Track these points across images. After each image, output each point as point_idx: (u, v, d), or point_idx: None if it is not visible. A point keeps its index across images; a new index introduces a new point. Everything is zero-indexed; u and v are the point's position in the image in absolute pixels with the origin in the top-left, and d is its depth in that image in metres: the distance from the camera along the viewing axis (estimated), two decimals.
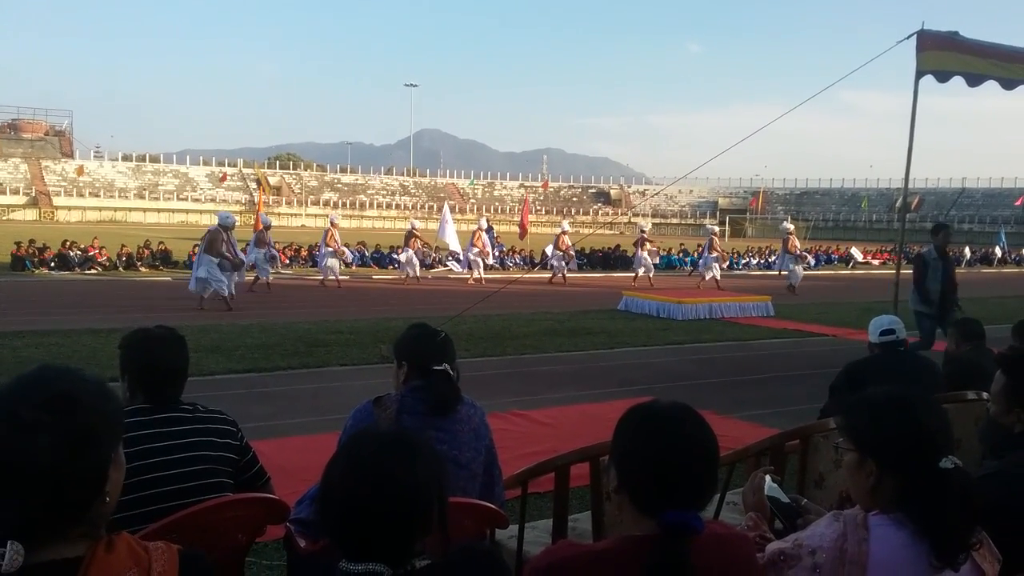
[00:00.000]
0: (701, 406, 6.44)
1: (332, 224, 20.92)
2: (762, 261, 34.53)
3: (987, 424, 3.04)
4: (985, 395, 3.38)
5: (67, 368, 1.47)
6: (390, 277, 24.13)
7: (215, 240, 15.20)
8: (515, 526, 3.27)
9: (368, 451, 1.59)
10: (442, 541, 1.60)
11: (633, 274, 23.68)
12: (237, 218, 16.55)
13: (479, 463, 3.01)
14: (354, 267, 27.46)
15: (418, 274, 22.58)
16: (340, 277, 20.96)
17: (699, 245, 24.43)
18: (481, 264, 23.57)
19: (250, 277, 18.33)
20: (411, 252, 22.35)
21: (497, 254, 30.34)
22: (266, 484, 2.96)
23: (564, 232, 24.22)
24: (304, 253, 28.17)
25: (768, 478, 2.46)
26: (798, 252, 22.70)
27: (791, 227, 23.20)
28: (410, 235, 22.44)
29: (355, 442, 1.64)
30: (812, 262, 24.14)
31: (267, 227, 19.72)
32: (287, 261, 26.09)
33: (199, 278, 14.99)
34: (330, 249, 20.39)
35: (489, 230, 31.50)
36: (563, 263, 23.94)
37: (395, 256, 23.13)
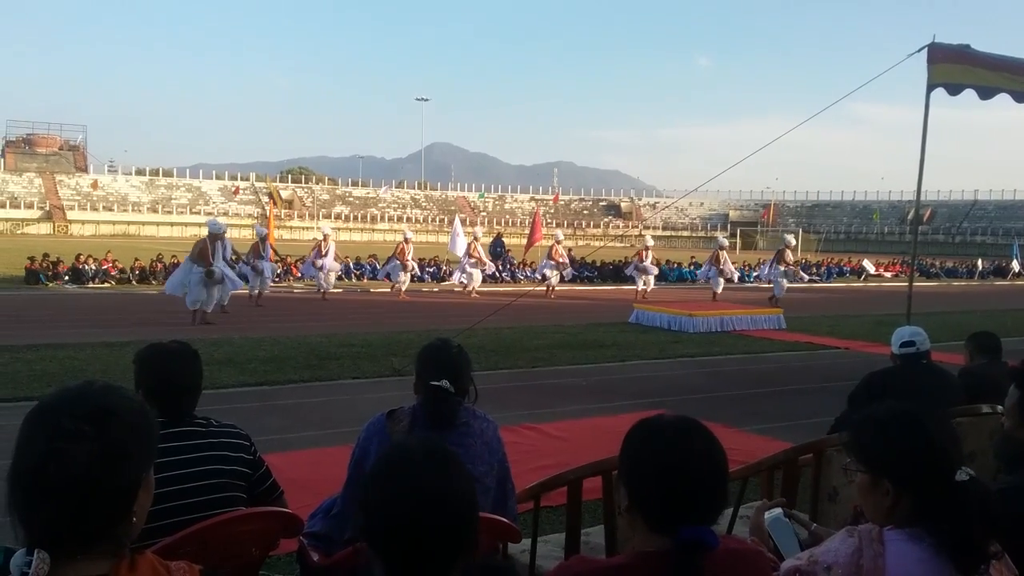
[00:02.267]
0: (713, 419, 6.38)
1: (325, 236, 20.90)
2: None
3: (1002, 439, 3.01)
4: (1000, 408, 3.36)
5: (110, 384, 1.49)
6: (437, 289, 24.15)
7: (202, 250, 14.91)
8: (528, 540, 3.26)
9: (420, 467, 1.55)
10: (472, 557, 1.59)
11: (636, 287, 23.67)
12: (224, 223, 16.17)
13: (492, 477, 3.00)
14: (364, 280, 27.55)
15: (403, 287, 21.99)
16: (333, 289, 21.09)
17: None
18: (476, 276, 23.15)
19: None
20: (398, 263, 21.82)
21: (509, 267, 30.34)
22: (279, 498, 2.97)
23: (558, 242, 23.94)
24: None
25: (779, 511, 2.42)
26: (789, 267, 22.42)
27: (792, 241, 23.01)
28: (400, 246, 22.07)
29: (402, 457, 1.59)
30: (804, 277, 23.85)
31: (261, 236, 19.41)
32: (299, 275, 26.12)
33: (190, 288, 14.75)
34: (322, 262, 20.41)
35: (500, 243, 31.48)
36: (554, 273, 23.66)
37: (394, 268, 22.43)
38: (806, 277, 24.85)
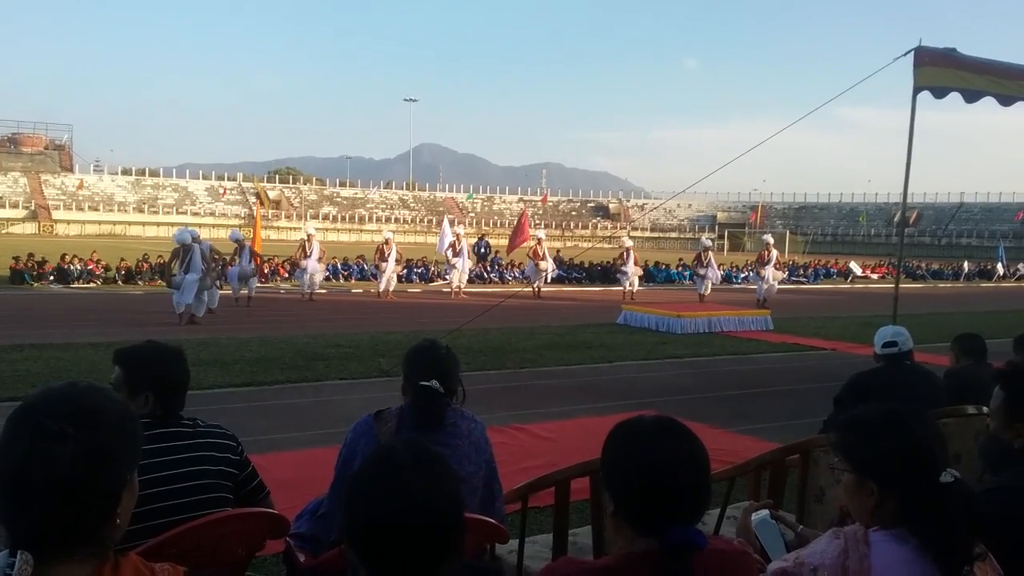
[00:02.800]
0: (701, 420, 6.41)
1: (309, 236, 20.69)
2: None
3: (987, 440, 3.03)
4: (985, 409, 3.38)
5: (94, 384, 1.49)
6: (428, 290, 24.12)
7: (172, 258, 14.98)
8: (515, 541, 3.26)
9: (403, 469, 1.53)
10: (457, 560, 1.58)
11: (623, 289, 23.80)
12: (193, 232, 15.79)
13: (479, 477, 3.00)
14: (353, 280, 27.50)
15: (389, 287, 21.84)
16: (318, 290, 20.98)
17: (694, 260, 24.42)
18: (459, 271, 22.97)
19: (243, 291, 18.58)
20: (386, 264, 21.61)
21: (497, 267, 30.35)
22: (265, 498, 2.96)
23: (539, 241, 23.92)
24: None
25: (766, 513, 2.43)
26: (767, 264, 22.25)
27: (770, 239, 22.91)
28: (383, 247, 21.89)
29: (385, 458, 1.58)
30: (781, 275, 23.83)
31: (236, 240, 19.00)
32: (285, 275, 26.06)
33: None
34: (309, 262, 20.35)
35: (485, 244, 31.44)
36: (534, 273, 23.70)
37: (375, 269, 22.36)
38: (782, 275, 24.80)
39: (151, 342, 2.97)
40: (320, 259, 20.82)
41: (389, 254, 21.52)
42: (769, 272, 21.70)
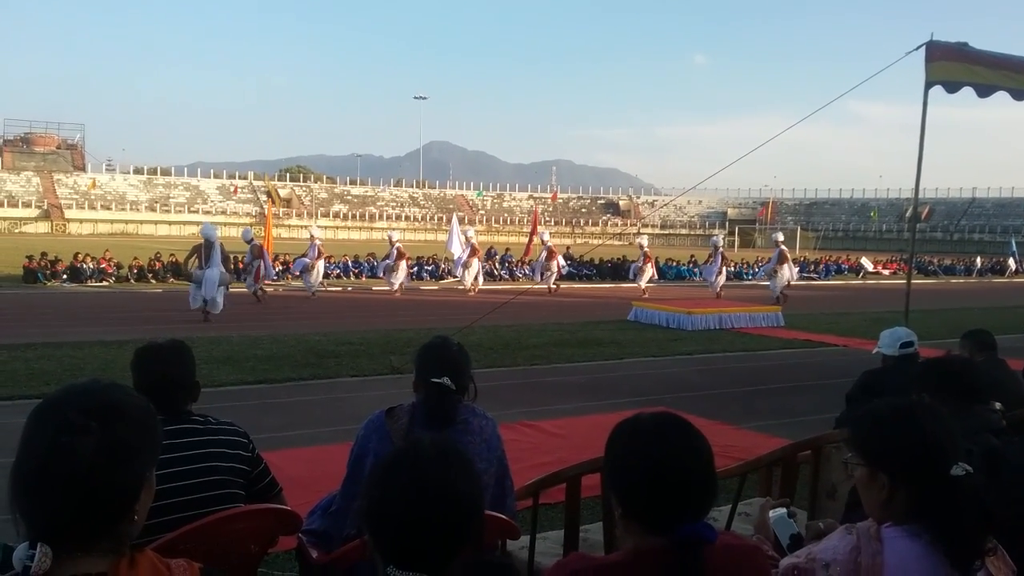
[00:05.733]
0: (712, 417, 6.42)
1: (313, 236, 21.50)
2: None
3: None
4: (998, 405, 3.37)
5: (116, 382, 1.51)
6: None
7: (191, 254, 15.34)
8: (526, 537, 3.27)
9: (424, 461, 1.56)
10: (474, 553, 1.60)
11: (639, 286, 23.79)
12: (217, 230, 16.49)
13: (490, 474, 3.00)
14: (364, 278, 27.55)
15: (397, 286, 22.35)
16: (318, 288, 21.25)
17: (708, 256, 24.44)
18: (473, 270, 23.43)
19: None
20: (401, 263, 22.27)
21: (507, 264, 30.37)
22: (278, 495, 2.98)
23: (544, 242, 24.34)
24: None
25: (784, 511, 2.43)
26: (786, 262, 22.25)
27: (780, 237, 22.87)
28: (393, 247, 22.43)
29: (409, 451, 1.61)
30: (795, 271, 23.77)
31: (248, 241, 19.50)
32: (296, 272, 26.13)
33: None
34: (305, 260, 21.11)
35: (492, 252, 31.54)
36: (543, 272, 23.96)
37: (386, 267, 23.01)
38: (794, 272, 24.74)
39: (146, 344, 2.96)
40: (320, 257, 21.65)
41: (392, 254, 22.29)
42: (786, 270, 21.69)
